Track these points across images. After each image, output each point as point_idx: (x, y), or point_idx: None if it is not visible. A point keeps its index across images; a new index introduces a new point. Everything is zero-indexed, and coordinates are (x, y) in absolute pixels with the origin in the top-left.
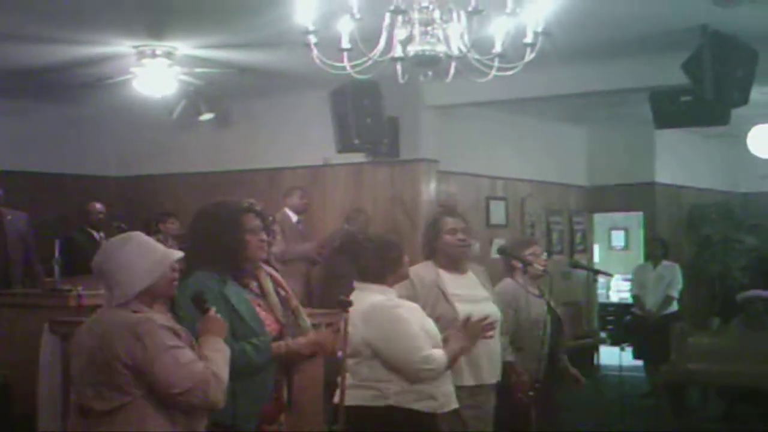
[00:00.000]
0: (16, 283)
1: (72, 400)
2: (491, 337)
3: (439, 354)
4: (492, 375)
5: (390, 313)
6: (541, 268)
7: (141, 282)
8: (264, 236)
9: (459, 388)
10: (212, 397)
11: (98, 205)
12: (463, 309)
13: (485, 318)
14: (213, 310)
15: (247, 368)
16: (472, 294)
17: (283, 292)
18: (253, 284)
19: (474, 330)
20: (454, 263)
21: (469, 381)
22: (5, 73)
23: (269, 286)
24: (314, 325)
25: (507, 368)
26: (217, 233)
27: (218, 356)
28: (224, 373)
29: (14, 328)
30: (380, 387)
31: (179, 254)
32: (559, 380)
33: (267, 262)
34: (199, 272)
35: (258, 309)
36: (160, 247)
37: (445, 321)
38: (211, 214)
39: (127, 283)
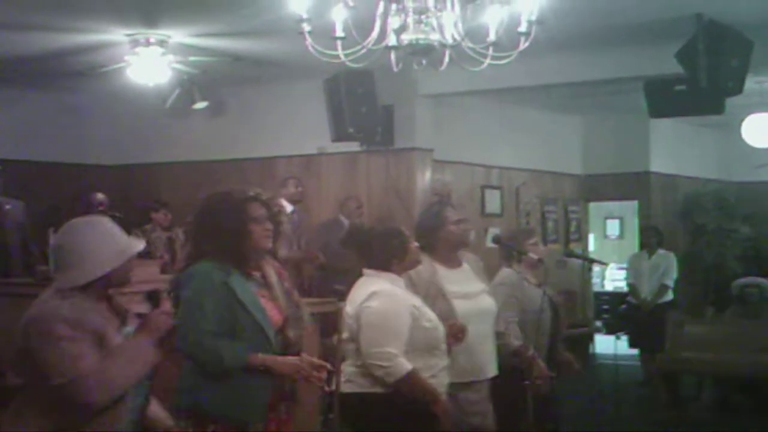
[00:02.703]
0: (15, 273)
1: None
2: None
3: (401, 363)
4: (488, 370)
5: (383, 302)
6: (536, 257)
7: (101, 268)
8: (269, 225)
9: (456, 384)
10: (84, 394)
11: (100, 196)
12: (459, 305)
13: (462, 329)
14: (158, 310)
15: (216, 368)
16: (468, 289)
17: (286, 284)
18: (257, 275)
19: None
20: (452, 256)
21: (467, 377)
22: None
23: (273, 277)
24: (312, 315)
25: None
26: (221, 222)
27: (122, 356)
28: (117, 373)
29: (7, 317)
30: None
31: (140, 247)
32: (555, 368)
33: (273, 255)
34: (204, 262)
35: (262, 300)
36: (124, 236)
37: (444, 319)
38: (215, 203)
39: (86, 267)
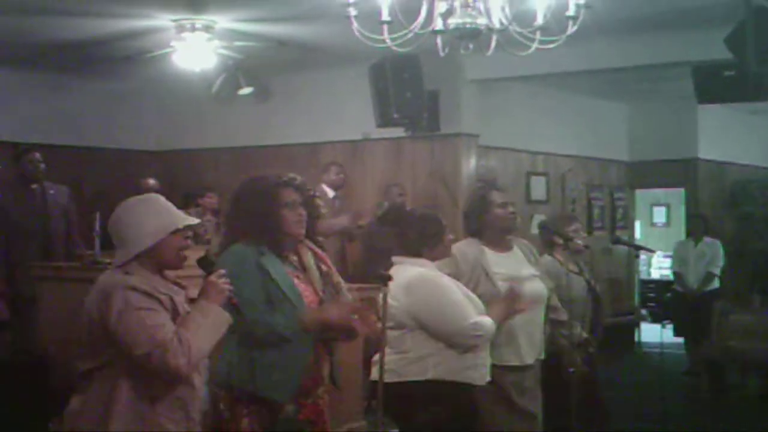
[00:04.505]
0: (57, 257)
1: None
2: (524, 310)
3: (487, 320)
4: (531, 354)
5: (433, 282)
6: (582, 243)
7: (140, 244)
8: (302, 211)
9: (499, 367)
10: (171, 361)
11: (151, 181)
12: (505, 288)
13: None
14: (215, 274)
15: (276, 338)
16: (516, 273)
17: (324, 267)
18: (294, 258)
19: (513, 303)
20: (501, 239)
21: (510, 361)
22: (45, 47)
23: (310, 260)
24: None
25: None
26: (254, 207)
27: (198, 322)
28: (198, 339)
29: (53, 301)
30: (421, 360)
31: (189, 221)
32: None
33: (311, 237)
34: (238, 245)
35: (296, 281)
36: (172, 212)
37: (487, 299)
38: (249, 189)
39: (129, 243)
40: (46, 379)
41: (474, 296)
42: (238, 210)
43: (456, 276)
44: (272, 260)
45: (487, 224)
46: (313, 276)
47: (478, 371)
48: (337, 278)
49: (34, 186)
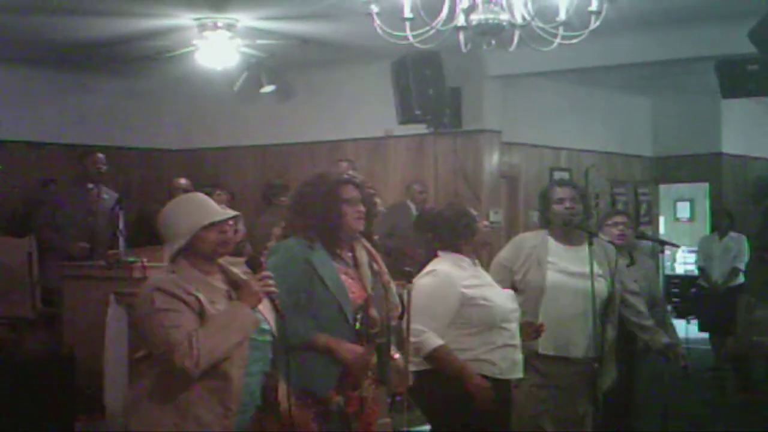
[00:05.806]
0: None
1: None
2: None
3: (432, 341)
4: (578, 349)
5: (435, 282)
6: (606, 238)
7: (177, 240)
8: (361, 208)
9: (538, 356)
10: (178, 362)
11: (182, 181)
12: (554, 278)
13: (541, 325)
14: (256, 276)
15: (280, 341)
16: (573, 268)
17: (376, 266)
18: (347, 254)
19: (526, 331)
20: (566, 233)
21: (548, 350)
22: (68, 46)
23: (363, 257)
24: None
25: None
26: (315, 202)
27: (219, 323)
28: (212, 340)
29: (79, 299)
30: None
31: (218, 217)
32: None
33: (366, 236)
34: (292, 238)
35: (344, 277)
36: (203, 209)
37: (533, 287)
38: (311, 184)
39: (169, 241)
40: (72, 377)
41: (489, 306)
42: (301, 204)
43: (512, 261)
44: (321, 255)
45: (549, 218)
46: (364, 273)
47: (498, 365)
48: (387, 278)
49: (91, 186)
